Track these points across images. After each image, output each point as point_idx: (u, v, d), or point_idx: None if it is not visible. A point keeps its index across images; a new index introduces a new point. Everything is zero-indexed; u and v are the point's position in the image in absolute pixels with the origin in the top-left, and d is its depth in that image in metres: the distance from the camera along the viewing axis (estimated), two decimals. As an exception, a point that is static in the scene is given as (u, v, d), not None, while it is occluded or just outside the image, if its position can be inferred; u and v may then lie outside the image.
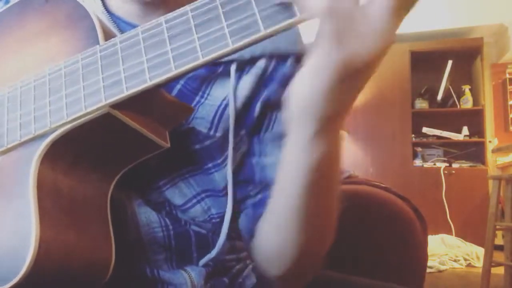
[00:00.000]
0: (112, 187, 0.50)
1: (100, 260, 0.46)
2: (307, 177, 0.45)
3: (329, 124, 0.41)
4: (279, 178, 0.50)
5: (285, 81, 0.60)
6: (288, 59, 0.61)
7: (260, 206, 0.60)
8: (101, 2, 0.60)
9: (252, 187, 0.61)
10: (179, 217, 0.58)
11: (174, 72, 0.39)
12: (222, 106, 0.58)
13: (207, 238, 0.59)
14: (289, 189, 0.48)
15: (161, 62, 0.40)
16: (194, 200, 0.58)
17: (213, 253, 0.57)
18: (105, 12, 0.59)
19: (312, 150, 0.43)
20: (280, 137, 0.61)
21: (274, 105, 0.60)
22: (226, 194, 0.59)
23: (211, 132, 0.57)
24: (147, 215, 0.55)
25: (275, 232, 0.54)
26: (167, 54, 0.40)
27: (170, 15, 0.41)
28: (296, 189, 0.47)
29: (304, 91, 0.40)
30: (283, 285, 0.60)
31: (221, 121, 0.58)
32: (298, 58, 0.62)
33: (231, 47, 0.38)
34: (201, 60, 0.38)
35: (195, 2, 0.40)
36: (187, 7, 0.40)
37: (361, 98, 4.28)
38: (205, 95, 0.58)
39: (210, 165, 0.58)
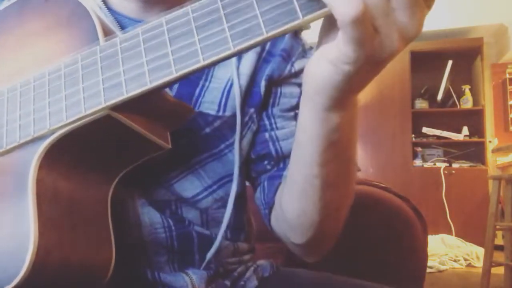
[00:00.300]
0: (112, 188, 0.49)
1: (100, 262, 0.46)
2: (323, 145, 0.45)
3: (343, 99, 0.41)
4: (295, 148, 0.50)
5: (286, 56, 0.62)
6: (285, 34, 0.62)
7: (276, 178, 0.61)
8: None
9: (268, 161, 0.62)
10: (183, 216, 0.58)
11: (174, 75, 0.39)
12: (228, 86, 0.59)
13: (209, 238, 0.59)
14: (306, 158, 0.47)
15: (162, 65, 0.39)
16: (206, 192, 0.59)
17: (224, 224, 0.58)
18: (105, 8, 0.59)
19: (326, 121, 0.42)
20: (288, 110, 0.63)
21: (278, 80, 0.61)
22: (241, 173, 0.60)
23: (220, 113, 0.58)
24: (150, 216, 0.55)
25: (296, 200, 0.53)
26: (168, 56, 0.39)
27: (171, 15, 0.40)
28: (312, 158, 0.46)
29: (318, 74, 0.39)
30: (306, 252, 0.60)
31: (228, 101, 0.58)
32: (295, 32, 0.63)
33: (232, 50, 0.37)
34: (202, 63, 0.38)
35: (196, 2, 0.39)
36: (188, 8, 0.39)
37: (361, 98, 4.28)
38: (209, 78, 0.58)
39: (222, 146, 0.59)
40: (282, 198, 0.57)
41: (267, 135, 0.62)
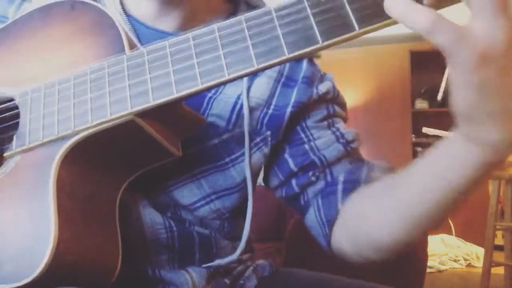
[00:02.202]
0: (121, 191, 0.51)
1: (109, 261, 0.47)
2: (436, 196, 0.45)
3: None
4: (408, 180, 0.49)
5: (309, 82, 0.63)
6: (302, 60, 0.63)
7: (331, 194, 0.59)
8: (119, 2, 0.60)
9: (312, 172, 0.61)
10: (184, 218, 0.58)
11: (200, 87, 0.41)
12: (238, 105, 0.59)
13: (210, 239, 0.60)
14: (410, 199, 0.48)
15: (188, 76, 0.42)
16: (203, 201, 0.59)
17: (237, 252, 0.59)
18: (123, 12, 0.59)
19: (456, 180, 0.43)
20: (321, 120, 0.63)
21: (308, 103, 0.62)
22: (241, 190, 0.60)
23: (230, 127, 0.58)
24: (152, 217, 0.55)
25: (376, 226, 0.53)
26: (194, 69, 0.42)
27: (198, 31, 0.42)
28: (417, 200, 0.47)
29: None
30: (370, 262, 0.58)
31: (239, 119, 0.59)
32: (311, 59, 0.65)
33: (256, 67, 0.40)
34: (227, 78, 0.40)
35: (223, 22, 0.42)
36: (214, 26, 0.42)
37: (361, 98, 4.29)
38: (218, 92, 0.59)
39: (227, 159, 0.59)
40: (370, 217, 0.54)
41: (306, 146, 0.62)
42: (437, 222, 0.49)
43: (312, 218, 0.61)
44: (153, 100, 0.42)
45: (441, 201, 0.45)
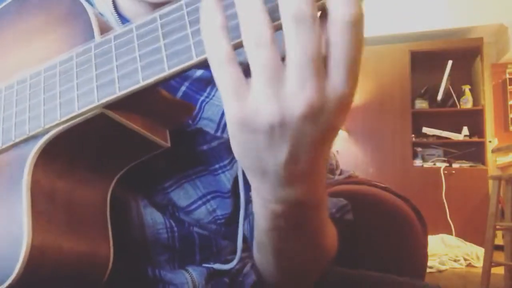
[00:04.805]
0: (111, 187, 0.49)
1: (97, 262, 0.46)
2: (268, 224, 0.44)
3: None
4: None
5: None
6: None
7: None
8: (112, 3, 0.60)
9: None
10: (183, 219, 0.58)
11: (167, 72, 0.37)
12: None
13: (210, 239, 0.60)
14: (257, 223, 0.48)
15: (155, 61, 0.38)
16: (200, 202, 0.59)
17: (236, 258, 0.58)
18: (114, 12, 0.59)
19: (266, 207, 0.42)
20: None
21: None
22: (231, 196, 0.60)
23: (219, 133, 0.57)
24: (152, 216, 0.55)
25: (255, 249, 0.55)
26: (161, 52, 0.37)
27: (165, 10, 0.38)
28: (261, 227, 0.47)
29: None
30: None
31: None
32: None
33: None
34: (195, 60, 0.36)
35: None
36: (182, 2, 0.37)
37: (361, 98, 4.28)
38: (210, 96, 0.58)
39: (216, 166, 0.59)
40: (254, 241, 0.57)
41: None
42: (296, 261, 0.51)
43: (245, 229, 0.63)
44: (119, 90, 0.38)
45: (281, 248, 0.47)
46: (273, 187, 0.37)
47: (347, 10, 0.30)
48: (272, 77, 0.31)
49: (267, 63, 0.31)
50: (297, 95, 0.31)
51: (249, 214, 0.62)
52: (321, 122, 0.32)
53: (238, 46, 0.34)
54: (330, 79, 0.31)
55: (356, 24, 0.30)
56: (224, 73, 0.32)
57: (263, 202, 0.41)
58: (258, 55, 0.31)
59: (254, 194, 0.42)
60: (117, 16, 0.59)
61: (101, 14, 0.56)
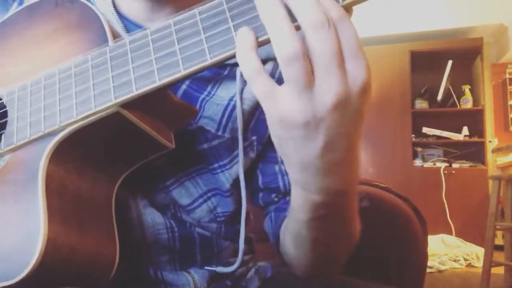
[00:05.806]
0: (117, 187, 0.50)
1: (104, 259, 0.47)
2: (308, 215, 0.46)
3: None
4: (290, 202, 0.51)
5: None
6: None
7: (282, 210, 0.62)
8: (111, 2, 0.60)
9: (275, 195, 0.63)
10: (184, 219, 0.58)
11: (182, 73, 0.40)
12: (230, 106, 0.58)
13: (210, 240, 0.60)
14: (296, 216, 0.49)
15: (170, 63, 0.40)
16: (201, 200, 0.59)
17: (238, 260, 0.59)
18: (114, 12, 0.59)
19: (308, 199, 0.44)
20: None
21: None
22: (231, 195, 0.60)
23: (219, 132, 0.58)
24: (152, 217, 0.55)
25: (291, 244, 0.56)
26: (176, 55, 0.40)
27: (179, 17, 0.41)
28: (301, 220, 0.48)
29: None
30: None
31: (229, 122, 0.58)
32: None
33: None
34: (209, 62, 0.39)
35: (203, 5, 0.40)
36: (195, 10, 0.40)
37: (361, 98, 4.27)
38: (211, 94, 0.59)
39: (216, 165, 0.59)
40: (284, 235, 0.58)
41: (276, 168, 0.63)
42: (332, 248, 0.53)
43: (266, 225, 0.65)
44: (136, 90, 0.41)
45: (320, 237, 0.49)
46: (313, 178, 0.40)
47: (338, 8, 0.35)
48: (304, 86, 0.34)
49: (299, 77, 0.34)
50: (325, 91, 0.34)
51: (267, 213, 0.64)
52: (349, 110, 0.35)
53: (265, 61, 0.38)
54: (348, 69, 0.35)
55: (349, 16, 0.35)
56: (258, 83, 0.36)
57: (304, 194, 0.43)
58: (291, 68, 0.34)
59: (294, 187, 0.45)
60: (117, 16, 0.59)
61: (102, 14, 0.57)
